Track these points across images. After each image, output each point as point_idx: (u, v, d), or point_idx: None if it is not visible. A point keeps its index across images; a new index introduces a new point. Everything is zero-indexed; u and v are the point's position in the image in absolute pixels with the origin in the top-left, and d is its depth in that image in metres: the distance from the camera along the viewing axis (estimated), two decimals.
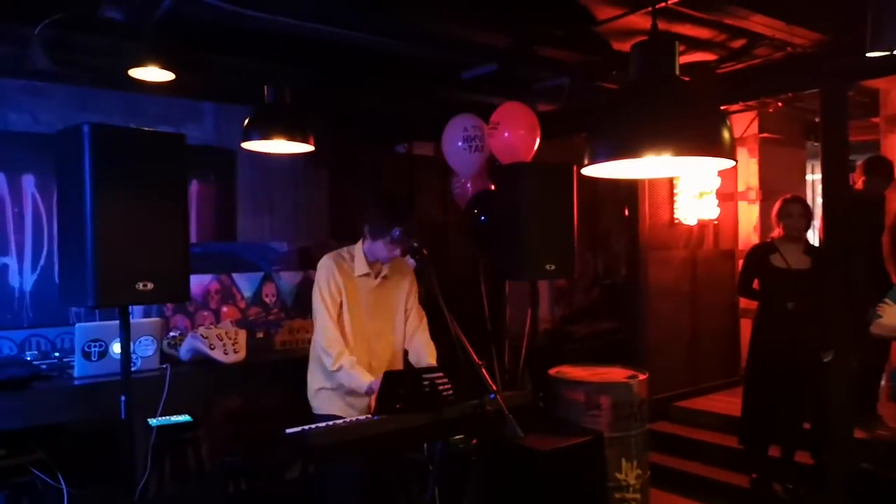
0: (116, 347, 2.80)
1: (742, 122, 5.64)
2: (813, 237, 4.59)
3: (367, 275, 2.87)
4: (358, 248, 2.89)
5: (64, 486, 2.64)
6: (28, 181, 4.00)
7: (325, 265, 2.87)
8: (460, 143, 4.21)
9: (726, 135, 2.03)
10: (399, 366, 2.98)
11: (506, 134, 4.00)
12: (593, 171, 2.25)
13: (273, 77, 3.74)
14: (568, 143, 4.54)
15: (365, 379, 2.71)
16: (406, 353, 3.01)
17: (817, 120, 5.19)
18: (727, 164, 2.16)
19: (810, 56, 3.74)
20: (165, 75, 3.19)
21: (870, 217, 4.19)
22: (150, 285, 2.38)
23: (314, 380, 2.91)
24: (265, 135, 3.65)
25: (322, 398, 2.88)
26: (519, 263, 3.53)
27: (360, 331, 2.87)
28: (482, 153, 4.20)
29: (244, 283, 3.87)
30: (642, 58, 2.18)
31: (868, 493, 3.54)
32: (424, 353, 2.93)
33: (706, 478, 4.34)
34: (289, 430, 2.12)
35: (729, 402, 4.91)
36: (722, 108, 2.30)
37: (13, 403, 2.64)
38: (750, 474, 4.07)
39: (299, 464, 3.65)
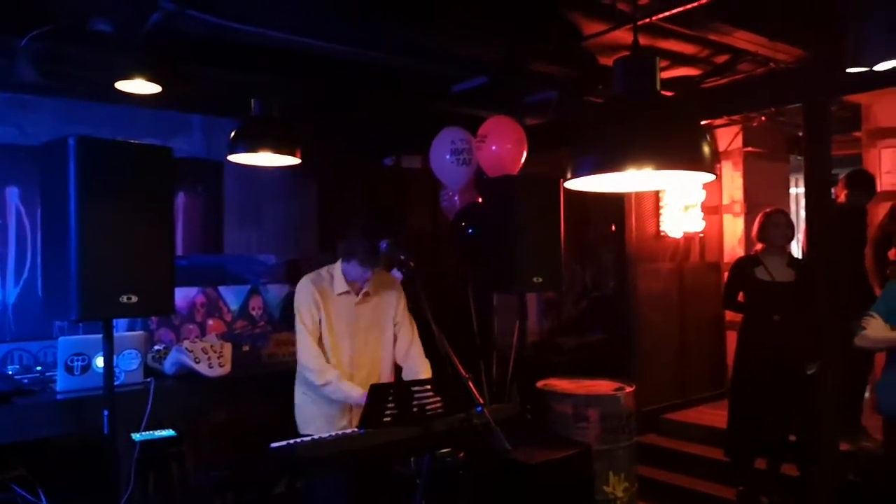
0: (99, 361, 2.78)
1: (726, 136, 5.71)
2: (796, 250, 4.63)
3: (346, 293, 2.87)
4: (337, 268, 2.90)
5: (45, 503, 2.60)
6: (12, 193, 3.97)
7: (303, 287, 2.87)
8: (448, 157, 4.23)
9: (706, 149, 2.06)
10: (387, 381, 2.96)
11: (493, 147, 4.02)
12: (576, 184, 2.26)
13: (261, 89, 3.73)
14: (555, 157, 4.57)
15: (355, 392, 2.73)
16: (400, 369, 3.00)
17: (800, 134, 5.27)
18: (707, 177, 2.18)
19: (793, 71, 3.80)
20: (153, 88, 3.19)
21: (852, 230, 4.24)
22: (134, 298, 2.37)
23: (296, 397, 2.94)
24: (251, 148, 3.64)
25: (305, 415, 2.89)
26: (507, 276, 3.54)
27: (341, 349, 2.86)
28: (470, 166, 4.22)
29: (230, 296, 3.86)
30: (624, 73, 2.21)
31: None
32: (419, 370, 2.92)
33: (694, 490, 4.34)
34: (274, 444, 2.11)
35: (717, 415, 4.91)
36: (706, 122, 2.35)
37: None
38: (737, 487, 4.08)
39: (286, 478, 3.62)
